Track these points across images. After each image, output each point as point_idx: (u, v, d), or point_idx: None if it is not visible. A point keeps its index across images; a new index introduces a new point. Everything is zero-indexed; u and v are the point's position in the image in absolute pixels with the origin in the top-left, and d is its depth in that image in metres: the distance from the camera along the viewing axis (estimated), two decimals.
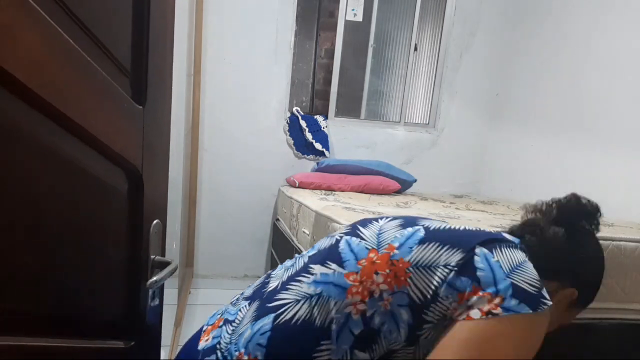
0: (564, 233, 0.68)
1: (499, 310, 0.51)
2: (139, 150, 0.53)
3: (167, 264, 0.55)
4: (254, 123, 2.50)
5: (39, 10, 0.35)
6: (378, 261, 0.58)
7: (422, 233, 0.61)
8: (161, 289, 0.60)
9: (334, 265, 0.60)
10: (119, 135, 0.50)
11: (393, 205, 1.88)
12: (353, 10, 2.52)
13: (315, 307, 0.57)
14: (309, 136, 2.53)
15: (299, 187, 2.28)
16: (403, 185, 2.39)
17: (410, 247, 0.58)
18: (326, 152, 2.55)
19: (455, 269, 0.55)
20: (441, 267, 0.56)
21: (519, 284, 0.53)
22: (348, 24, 2.54)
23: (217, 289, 2.53)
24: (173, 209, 1.95)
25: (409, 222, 0.65)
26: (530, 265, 0.57)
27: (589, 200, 0.72)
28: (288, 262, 0.69)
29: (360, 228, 0.66)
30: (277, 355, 0.56)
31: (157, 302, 0.58)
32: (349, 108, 2.68)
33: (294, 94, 2.59)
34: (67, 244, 0.45)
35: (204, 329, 0.68)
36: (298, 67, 2.58)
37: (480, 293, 0.52)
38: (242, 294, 0.71)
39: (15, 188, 0.36)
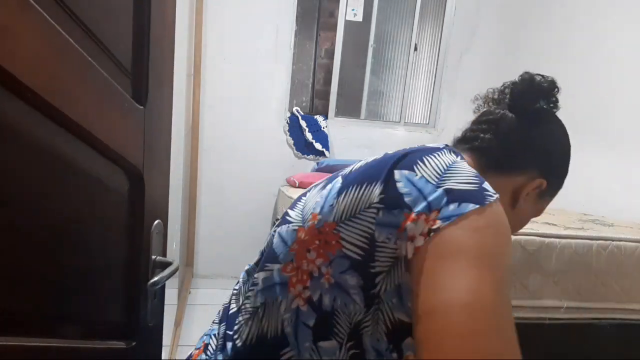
0: (518, 118, 0.61)
1: (438, 223, 0.43)
2: (139, 150, 0.53)
3: (169, 264, 0.55)
4: (254, 123, 2.50)
5: (39, 9, 0.35)
6: (306, 237, 0.51)
7: (339, 183, 0.53)
8: (162, 289, 0.60)
9: (271, 265, 0.53)
10: (119, 135, 0.50)
11: None
12: (353, 10, 2.52)
13: (264, 319, 0.52)
14: (309, 136, 2.53)
15: (299, 187, 2.28)
16: None
17: (331, 205, 0.50)
18: (326, 152, 2.55)
19: (381, 205, 0.47)
20: (365, 209, 0.48)
21: (453, 187, 0.45)
22: (348, 24, 2.54)
23: (216, 289, 2.53)
24: (173, 209, 1.95)
25: (331, 178, 0.57)
26: (462, 163, 0.50)
27: (543, 77, 0.63)
28: (245, 276, 0.62)
29: (289, 211, 0.58)
30: None
31: (158, 302, 0.58)
32: (349, 108, 2.68)
33: (294, 94, 2.59)
34: (68, 244, 0.45)
35: (192, 353, 0.63)
36: (298, 67, 2.58)
37: (414, 216, 0.44)
38: (219, 312, 0.64)
39: (14, 188, 0.36)
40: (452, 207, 0.43)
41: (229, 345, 0.54)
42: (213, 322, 0.64)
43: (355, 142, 2.63)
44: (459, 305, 0.38)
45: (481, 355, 0.36)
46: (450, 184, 0.46)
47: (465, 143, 0.63)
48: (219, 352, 0.56)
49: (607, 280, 1.34)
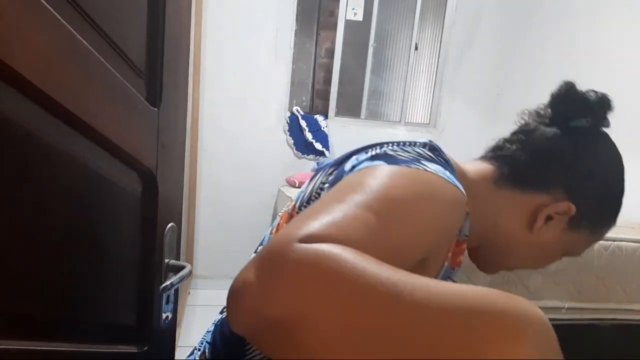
0: (555, 132, 0.54)
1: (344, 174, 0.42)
2: (153, 152, 0.52)
3: (182, 267, 0.54)
4: (254, 123, 2.49)
5: (50, 9, 0.34)
6: (282, 222, 0.52)
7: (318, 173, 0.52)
8: (175, 293, 0.59)
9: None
10: (132, 137, 0.50)
11: None
12: (353, 9, 2.51)
13: None
14: (309, 136, 2.52)
15: (299, 187, 2.27)
16: None
17: (302, 191, 0.52)
18: (326, 152, 2.55)
19: (328, 185, 0.46)
20: (319, 190, 0.48)
21: (379, 152, 0.43)
22: (348, 23, 2.54)
23: (216, 289, 2.52)
24: None
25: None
26: (425, 152, 0.44)
27: (594, 91, 0.54)
28: None
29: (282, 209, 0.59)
30: None
31: (171, 306, 0.57)
32: (349, 108, 2.67)
33: (294, 94, 2.58)
34: (80, 247, 0.44)
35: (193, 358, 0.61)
36: (298, 66, 2.57)
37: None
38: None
39: (25, 191, 0.35)
40: (365, 163, 0.41)
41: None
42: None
43: (355, 142, 2.60)
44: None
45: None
46: (391, 154, 0.42)
47: (491, 152, 0.59)
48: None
49: (608, 281, 1.34)
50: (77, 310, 0.47)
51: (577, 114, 0.54)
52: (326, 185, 0.48)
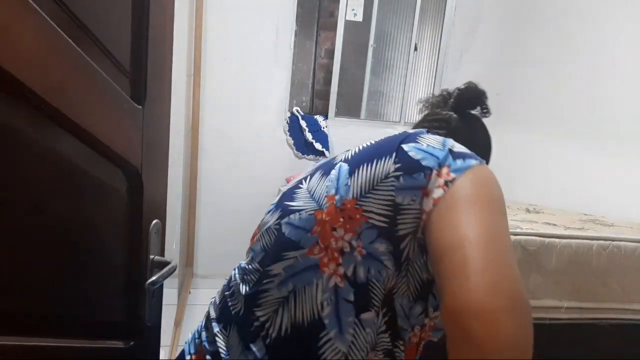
0: (460, 118, 0.75)
1: (451, 175, 0.50)
2: (138, 150, 0.53)
3: (167, 263, 0.55)
4: (254, 123, 2.49)
5: (38, 10, 0.35)
6: (327, 217, 0.54)
7: (346, 166, 0.57)
8: (160, 289, 0.60)
9: (292, 253, 0.55)
10: (118, 136, 0.50)
11: None
12: (353, 10, 2.52)
13: (296, 306, 0.54)
14: (309, 136, 2.52)
15: None
16: None
17: (346, 185, 0.55)
18: (326, 152, 2.55)
19: (400, 173, 0.52)
20: (383, 180, 0.53)
21: (454, 149, 0.54)
22: (348, 23, 2.54)
23: (216, 289, 2.52)
24: (173, 209, 1.95)
25: (326, 167, 0.61)
26: (450, 139, 0.57)
27: (481, 88, 0.78)
28: (236, 275, 0.63)
29: (290, 203, 0.60)
30: None
31: (156, 302, 0.58)
32: (349, 108, 2.67)
33: (294, 94, 2.59)
34: (66, 244, 0.45)
35: (188, 359, 0.62)
36: (298, 67, 2.57)
37: (432, 174, 0.51)
38: (208, 313, 0.65)
39: (14, 189, 0.36)
40: (459, 162, 0.51)
41: (258, 342, 0.54)
42: (204, 327, 0.63)
43: (355, 142, 2.60)
44: (477, 240, 0.45)
45: (495, 279, 0.42)
46: (451, 147, 0.54)
47: (434, 129, 0.73)
48: (240, 353, 0.56)
49: (607, 281, 1.33)
50: (63, 306, 0.48)
51: (475, 105, 0.78)
52: (394, 173, 0.53)
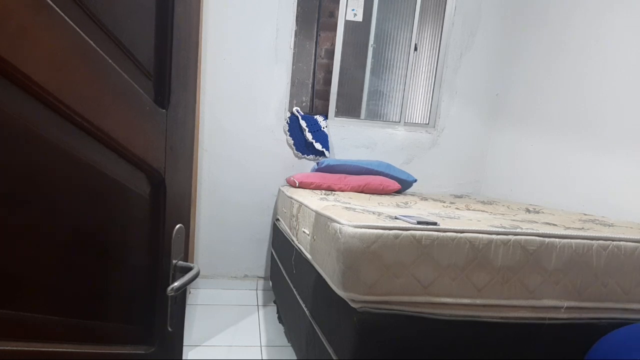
0: None
1: None
2: (161, 153, 0.52)
3: (190, 269, 0.54)
4: (254, 123, 2.49)
5: (58, 11, 0.34)
6: None
7: None
8: (183, 295, 0.59)
9: None
10: (141, 139, 0.50)
11: (393, 205, 1.88)
12: (353, 10, 2.52)
13: None
14: (309, 136, 2.52)
15: (299, 187, 2.27)
16: (403, 185, 2.40)
17: None
18: (326, 152, 2.55)
19: None
20: None
21: None
22: (348, 24, 2.54)
23: (217, 289, 2.52)
24: None
25: None
26: None
27: None
28: None
29: None
30: None
31: (178, 307, 0.57)
32: (349, 108, 2.67)
33: (294, 94, 2.58)
34: (88, 248, 0.44)
35: None
36: (298, 67, 2.57)
37: None
38: None
39: (34, 192, 0.35)
40: None
41: None
42: None
43: (355, 142, 2.63)
44: None
45: None
46: None
47: None
48: None
49: (607, 280, 1.35)
50: (84, 311, 0.47)
51: None
52: None
